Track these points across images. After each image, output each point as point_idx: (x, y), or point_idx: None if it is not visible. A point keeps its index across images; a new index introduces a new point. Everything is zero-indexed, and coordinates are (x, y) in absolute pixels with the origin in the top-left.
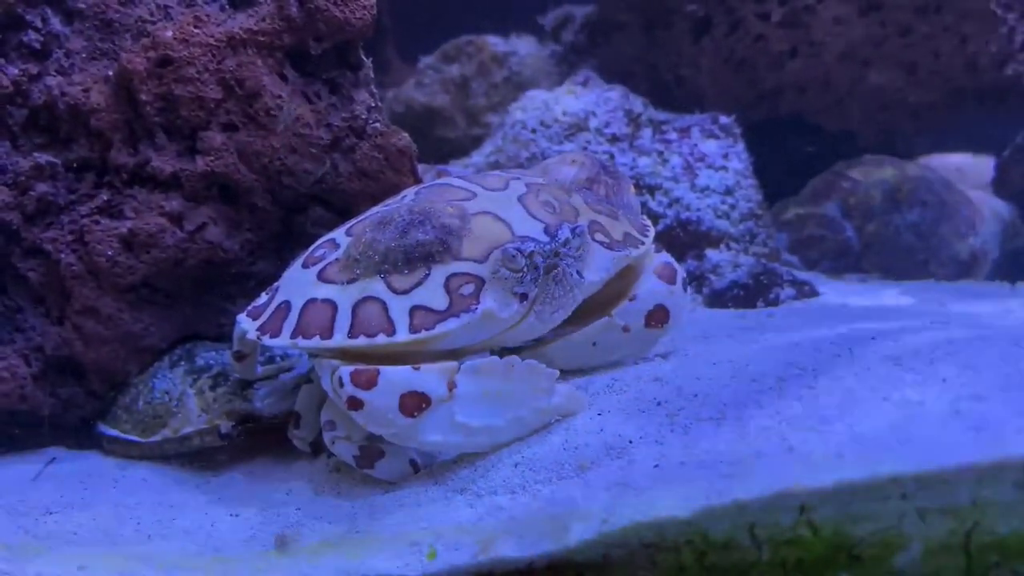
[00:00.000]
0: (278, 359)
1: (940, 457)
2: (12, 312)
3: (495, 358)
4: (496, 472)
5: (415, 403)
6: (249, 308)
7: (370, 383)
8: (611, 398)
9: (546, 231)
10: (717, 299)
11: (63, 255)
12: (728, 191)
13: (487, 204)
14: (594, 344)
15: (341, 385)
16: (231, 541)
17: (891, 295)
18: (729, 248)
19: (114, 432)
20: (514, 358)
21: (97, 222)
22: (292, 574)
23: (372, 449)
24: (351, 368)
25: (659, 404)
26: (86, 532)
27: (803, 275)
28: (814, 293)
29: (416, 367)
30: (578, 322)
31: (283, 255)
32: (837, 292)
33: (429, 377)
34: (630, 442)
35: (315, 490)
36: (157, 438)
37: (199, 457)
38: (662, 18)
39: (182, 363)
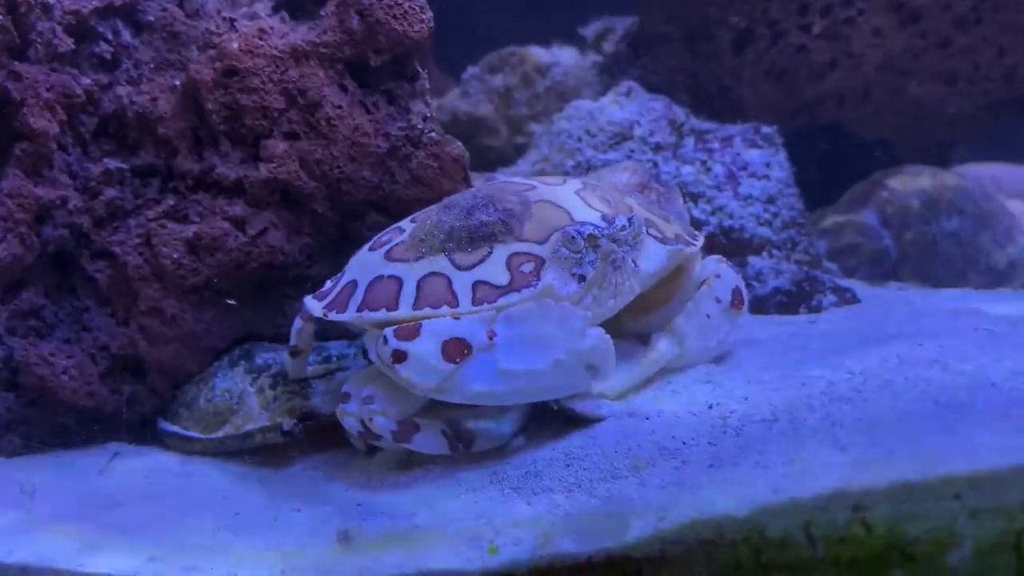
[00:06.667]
0: (333, 359)
1: (992, 458)
2: (80, 312)
3: (530, 303)
4: (551, 471)
5: (457, 349)
6: (315, 294)
7: (413, 334)
8: (663, 401)
9: (603, 219)
10: (760, 305)
11: (130, 257)
12: (770, 199)
13: (547, 194)
14: (708, 316)
15: (385, 343)
16: (294, 535)
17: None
18: (771, 255)
19: (175, 428)
20: (547, 300)
21: (163, 226)
22: (355, 568)
23: (408, 424)
24: (394, 327)
25: (711, 407)
26: (154, 524)
27: (845, 282)
28: (856, 300)
29: (456, 317)
30: (634, 318)
31: (340, 259)
32: (878, 299)
33: (470, 325)
34: (683, 443)
35: (374, 486)
36: (219, 435)
37: (258, 453)
38: (704, 30)
39: (242, 362)
